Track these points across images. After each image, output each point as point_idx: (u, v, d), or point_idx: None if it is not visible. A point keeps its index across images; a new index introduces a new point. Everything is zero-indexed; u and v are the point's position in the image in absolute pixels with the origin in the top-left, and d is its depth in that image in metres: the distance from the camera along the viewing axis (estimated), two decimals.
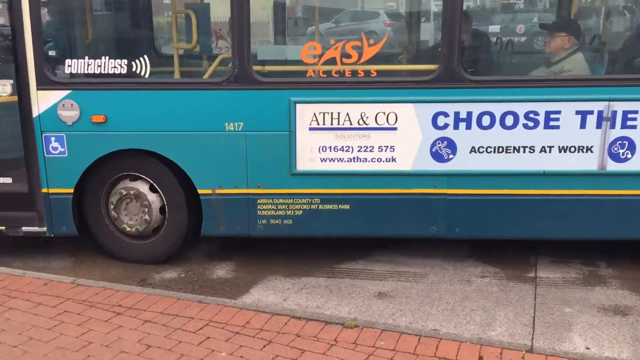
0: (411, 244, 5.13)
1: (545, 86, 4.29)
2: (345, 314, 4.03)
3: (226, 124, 4.42)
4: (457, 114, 4.29)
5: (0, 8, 4.50)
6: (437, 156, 4.38)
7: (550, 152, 4.30)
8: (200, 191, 4.59)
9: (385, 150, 4.40)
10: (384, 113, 4.33)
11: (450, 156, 4.37)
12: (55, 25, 4.89)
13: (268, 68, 4.62)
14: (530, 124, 4.26)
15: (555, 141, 4.28)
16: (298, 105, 4.35)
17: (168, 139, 4.50)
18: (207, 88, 4.47)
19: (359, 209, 4.54)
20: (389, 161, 4.42)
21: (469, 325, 3.90)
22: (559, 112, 4.23)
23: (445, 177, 4.42)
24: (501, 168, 4.36)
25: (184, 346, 3.51)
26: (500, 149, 4.33)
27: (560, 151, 4.30)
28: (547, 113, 4.24)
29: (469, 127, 4.31)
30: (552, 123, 4.25)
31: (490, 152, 4.34)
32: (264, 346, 3.50)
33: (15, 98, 4.58)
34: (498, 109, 4.26)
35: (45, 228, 4.77)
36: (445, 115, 4.30)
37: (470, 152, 4.35)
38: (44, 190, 4.66)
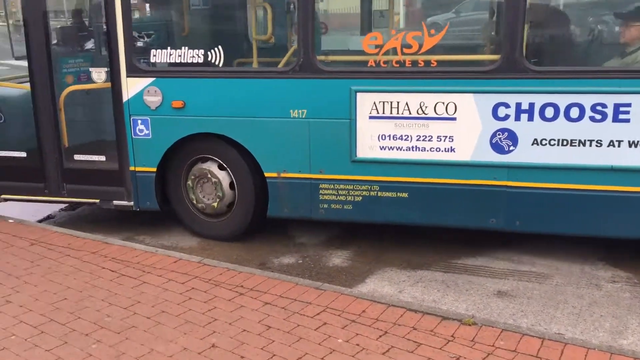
0: (535, 242, 4.95)
1: (614, 77, 4.09)
2: (462, 311, 3.96)
3: (291, 111, 4.63)
4: (518, 105, 4.21)
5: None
6: (497, 147, 4.33)
7: (619, 146, 4.12)
8: (266, 174, 4.85)
9: (444, 140, 4.42)
10: (444, 103, 4.34)
11: (511, 148, 4.30)
12: (143, 20, 5.35)
13: (331, 58, 4.79)
14: (598, 116, 4.10)
15: (625, 135, 4.09)
16: (359, 94, 4.47)
17: (239, 124, 4.80)
18: (275, 77, 4.71)
19: (417, 197, 4.59)
20: (448, 151, 4.43)
21: (598, 332, 3.70)
22: (629, 105, 4.04)
23: (505, 168, 4.36)
24: (565, 162, 4.23)
25: (302, 330, 3.56)
26: (565, 142, 4.20)
27: (630, 146, 4.10)
28: (616, 106, 4.05)
29: (531, 118, 4.21)
30: (621, 116, 4.06)
31: (554, 144, 4.22)
32: (380, 336, 3.48)
33: (109, 84, 5.10)
34: (562, 101, 4.14)
35: (132, 202, 5.27)
36: (506, 106, 4.23)
37: (532, 145, 4.26)
38: (132, 168, 5.15)
